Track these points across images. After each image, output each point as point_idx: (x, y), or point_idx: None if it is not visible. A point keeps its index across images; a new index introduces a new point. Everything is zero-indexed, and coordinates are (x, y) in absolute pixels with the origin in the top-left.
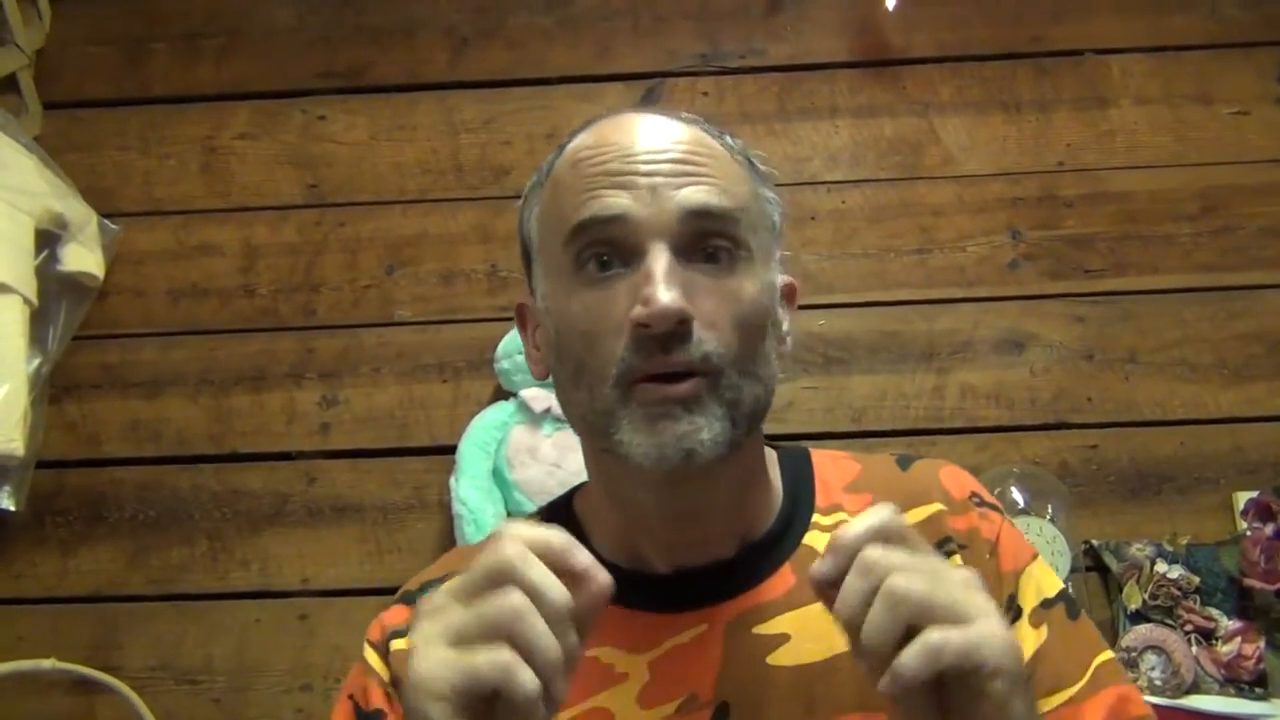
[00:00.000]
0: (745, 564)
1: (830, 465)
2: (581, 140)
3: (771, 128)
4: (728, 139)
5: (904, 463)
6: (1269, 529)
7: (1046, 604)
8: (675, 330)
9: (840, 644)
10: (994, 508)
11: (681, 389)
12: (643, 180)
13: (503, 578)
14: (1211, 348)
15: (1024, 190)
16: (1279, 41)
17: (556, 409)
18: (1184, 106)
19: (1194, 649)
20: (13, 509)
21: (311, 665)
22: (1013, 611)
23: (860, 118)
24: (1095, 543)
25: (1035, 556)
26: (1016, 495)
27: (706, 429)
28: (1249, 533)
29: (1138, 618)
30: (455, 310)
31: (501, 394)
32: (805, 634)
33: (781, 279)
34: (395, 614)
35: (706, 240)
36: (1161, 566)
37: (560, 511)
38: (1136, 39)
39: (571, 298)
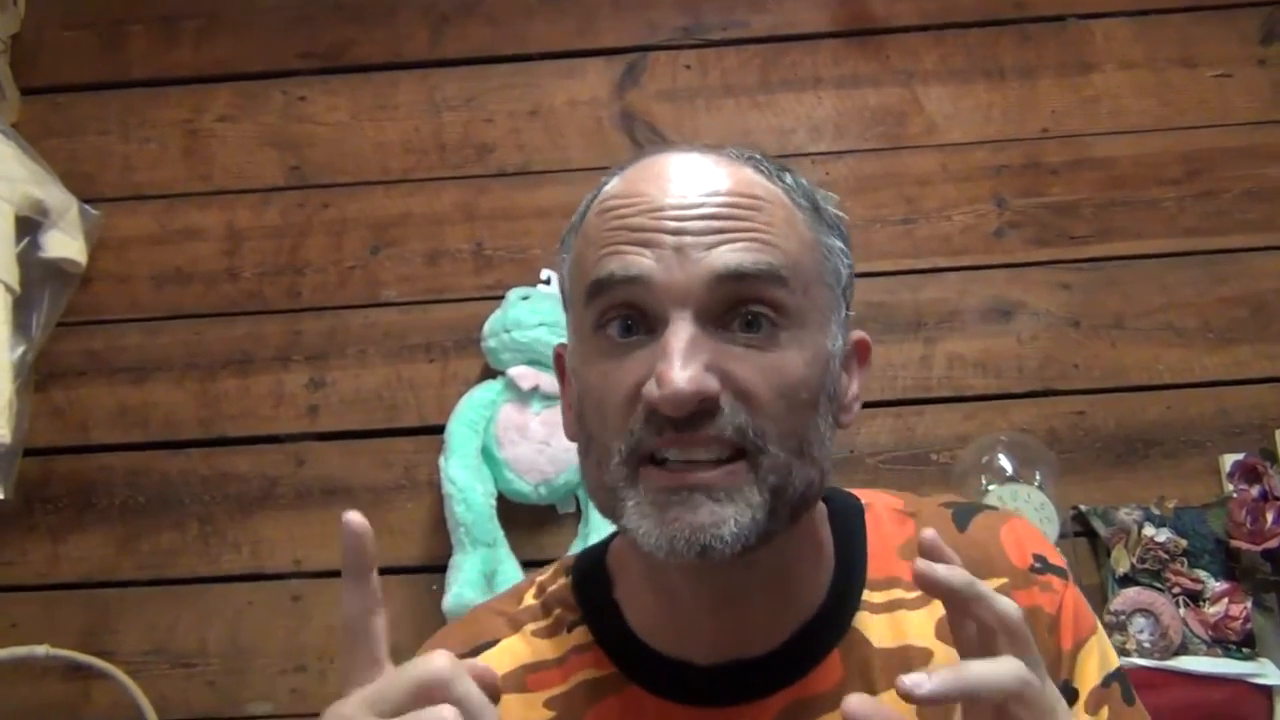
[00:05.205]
0: (793, 653)
1: (885, 522)
2: (612, 186)
3: (755, 100)
4: (788, 178)
5: (961, 519)
6: (1255, 491)
7: (1106, 681)
8: (698, 409)
9: None
10: (1058, 571)
11: (707, 475)
12: (669, 239)
13: (435, 692)
14: (1197, 312)
15: (1008, 158)
16: (1261, 3)
17: (545, 386)
18: (1167, 70)
19: (1182, 611)
20: (1, 497)
21: (305, 646)
22: (1068, 694)
23: (843, 88)
24: (1083, 508)
25: (1096, 628)
26: (1004, 463)
27: (733, 520)
28: (1235, 495)
29: (1126, 581)
30: (441, 290)
31: (489, 372)
32: None
33: (851, 335)
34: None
35: (742, 306)
36: (1149, 530)
37: (595, 575)
38: (1119, 3)
39: (590, 365)
